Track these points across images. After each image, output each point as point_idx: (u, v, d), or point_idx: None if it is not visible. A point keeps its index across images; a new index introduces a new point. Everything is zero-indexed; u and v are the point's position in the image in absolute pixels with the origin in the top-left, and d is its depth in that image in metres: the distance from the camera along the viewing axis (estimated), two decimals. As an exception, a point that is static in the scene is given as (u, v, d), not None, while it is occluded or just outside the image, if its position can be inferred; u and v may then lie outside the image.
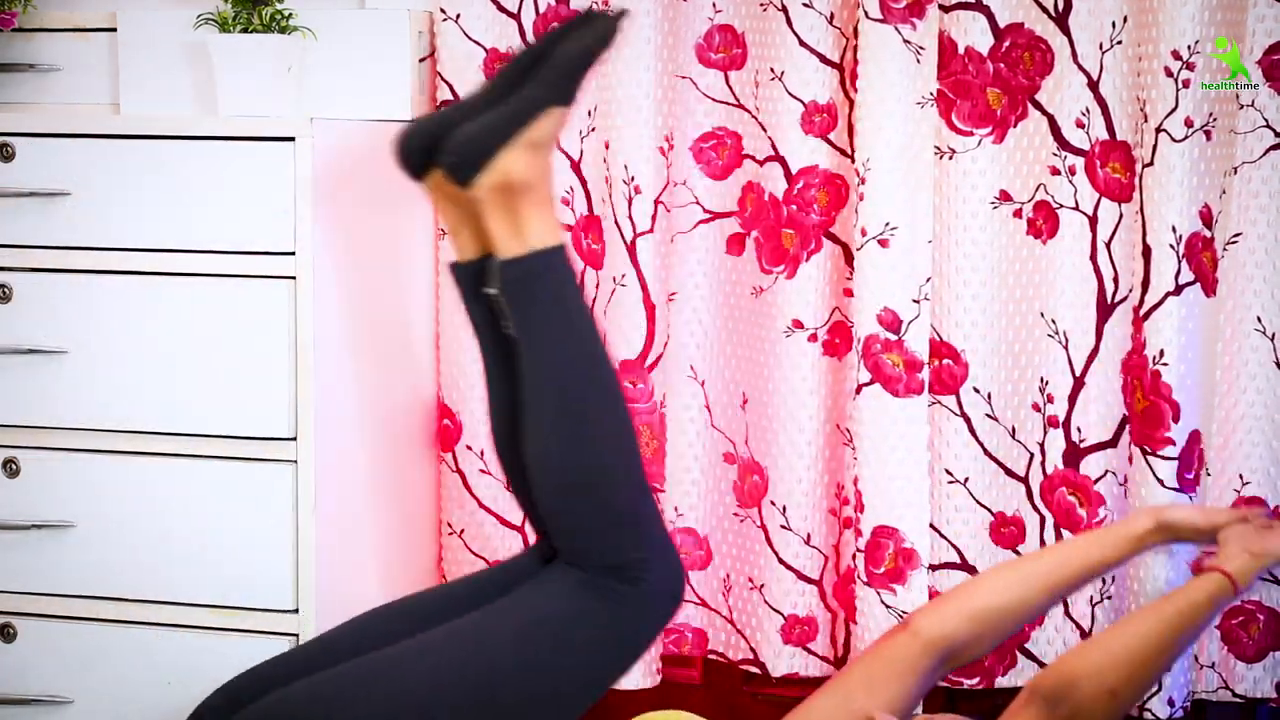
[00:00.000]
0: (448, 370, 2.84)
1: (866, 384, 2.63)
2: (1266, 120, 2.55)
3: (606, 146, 2.73)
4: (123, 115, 2.75)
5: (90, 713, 2.55)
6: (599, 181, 2.76)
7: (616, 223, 2.73)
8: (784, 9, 2.67)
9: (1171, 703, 2.57)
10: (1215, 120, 2.51)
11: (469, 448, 2.85)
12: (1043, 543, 2.70)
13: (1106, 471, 2.66)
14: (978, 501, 2.71)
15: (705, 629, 2.89)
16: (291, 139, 2.43)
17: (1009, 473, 2.71)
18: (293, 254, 2.44)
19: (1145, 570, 2.56)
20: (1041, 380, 2.68)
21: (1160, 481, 2.53)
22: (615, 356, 2.72)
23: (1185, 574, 2.56)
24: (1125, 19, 2.56)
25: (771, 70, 2.71)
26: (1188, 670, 2.60)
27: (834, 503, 2.78)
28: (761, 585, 2.81)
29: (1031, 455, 2.69)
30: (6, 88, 2.84)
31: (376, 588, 2.68)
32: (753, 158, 2.76)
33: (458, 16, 2.76)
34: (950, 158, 2.65)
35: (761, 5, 2.72)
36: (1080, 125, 2.62)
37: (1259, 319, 2.60)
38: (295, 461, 2.47)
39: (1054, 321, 2.66)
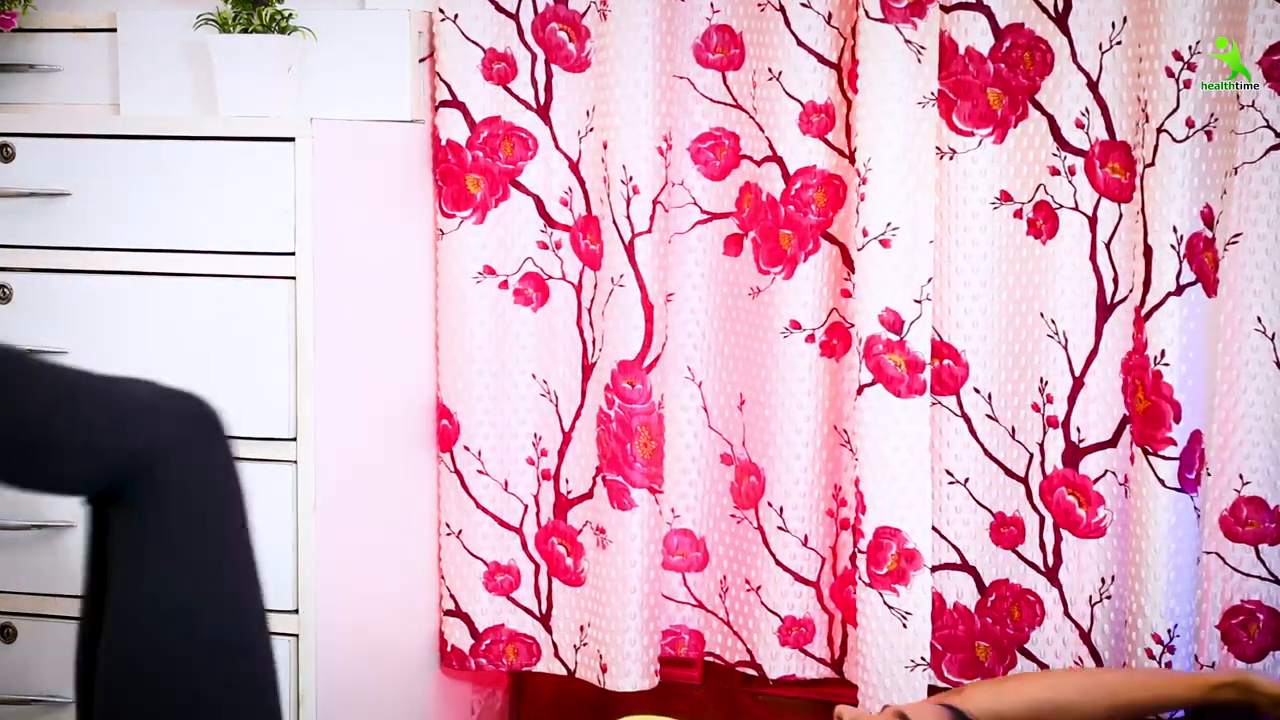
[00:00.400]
0: (446, 370, 2.84)
1: (868, 385, 2.63)
2: (1267, 120, 2.55)
3: (604, 146, 2.73)
4: (123, 115, 2.75)
5: (90, 713, 2.55)
6: (597, 181, 2.76)
7: (614, 223, 2.72)
8: (782, 9, 2.67)
9: (1172, 702, 2.57)
10: (1216, 120, 2.51)
11: (466, 448, 2.85)
12: (1042, 542, 2.70)
13: (1106, 471, 2.66)
14: (978, 502, 2.71)
15: (702, 631, 2.90)
16: (291, 139, 2.43)
17: (1009, 473, 2.71)
18: (293, 254, 2.44)
19: (1147, 570, 2.56)
20: (1041, 380, 2.68)
21: (1161, 481, 2.53)
22: (615, 356, 2.72)
23: (1189, 575, 2.56)
24: (1125, 19, 2.56)
25: (769, 70, 2.71)
26: (1189, 670, 2.60)
27: (831, 504, 2.78)
28: (759, 587, 2.81)
29: (1031, 455, 2.70)
30: (6, 88, 2.84)
31: (376, 588, 2.68)
32: (750, 158, 2.76)
33: (456, 16, 2.76)
34: (950, 158, 2.65)
35: (759, 5, 2.72)
36: (1080, 125, 2.62)
37: (1259, 319, 2.60)
38: (295, 462, 2.47)
39: (1054, 322, 2.66)
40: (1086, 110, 2.62)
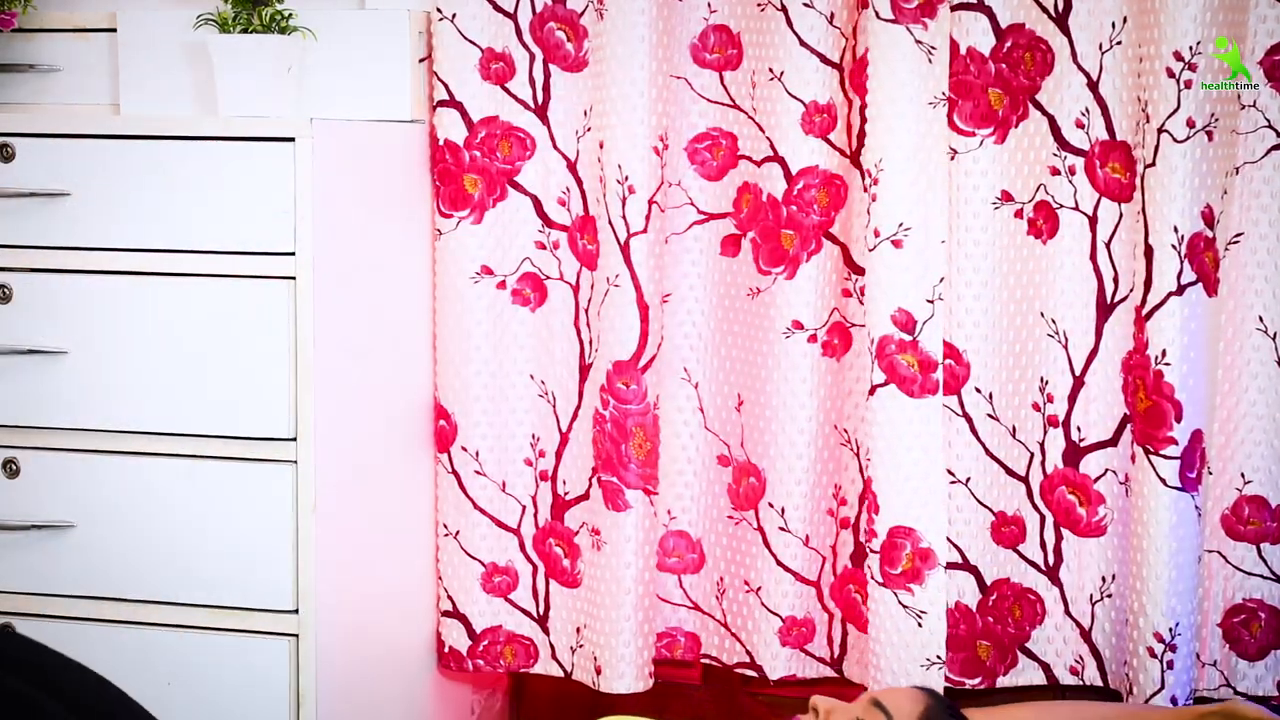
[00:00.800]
0: (444, 371, 2.83)
1: (881, 385, 2.62)
2: (1268, 120, 2.56)
3: (601, 146, 2.73)
4: (123, 115, 2.75)
5: (90, 714, 2.54)
6: (594, 181, 2.76)
7: (610, 223, 2.72)
8: (784, 9, 2.67)
9: (1174, 701, 2.57)
10: (1217, 121, 2.51)
11: (464, 449, 2.84)
12: (1043, 542, 2.70)
13: (1106, 470, 2.67)
14: (979, 501, 2.71)
15: (698, 633, 2.89)
16: (291, 139, 2.43)
17: (1010, 472, 2.71)
18: (293, 254, 2.44)
19: (1148, 569, 2.56)
20: (1042, 380, 2.68)
21: (1162, 480, 2.53)
22: (610, 357, 2.72)
23: (1190, 574, 2.57)
24: (1125, 19, 2.57)
25: (770, 70, 2.71)
26: (1190, 669, 2.60)
27: (832, 503, 2.78)
28: (759, 588, 2.80)
29: (1032, 455, 2.70)
30: (6, 88, 2.83)
31: (375, 588, 2.68)
32: (749, 158, 2.76)
33: (454, 16, 2.76)
34: (952, 158, 2.65)
35: (759, 5, 2.72)
36: (1080, 125, 2.63)
37: (1260, 318, 2.61)
38: (295, 462, 2.47)
39: (1054, 321, 2.66)
40: (1087, 110, 2.62)
